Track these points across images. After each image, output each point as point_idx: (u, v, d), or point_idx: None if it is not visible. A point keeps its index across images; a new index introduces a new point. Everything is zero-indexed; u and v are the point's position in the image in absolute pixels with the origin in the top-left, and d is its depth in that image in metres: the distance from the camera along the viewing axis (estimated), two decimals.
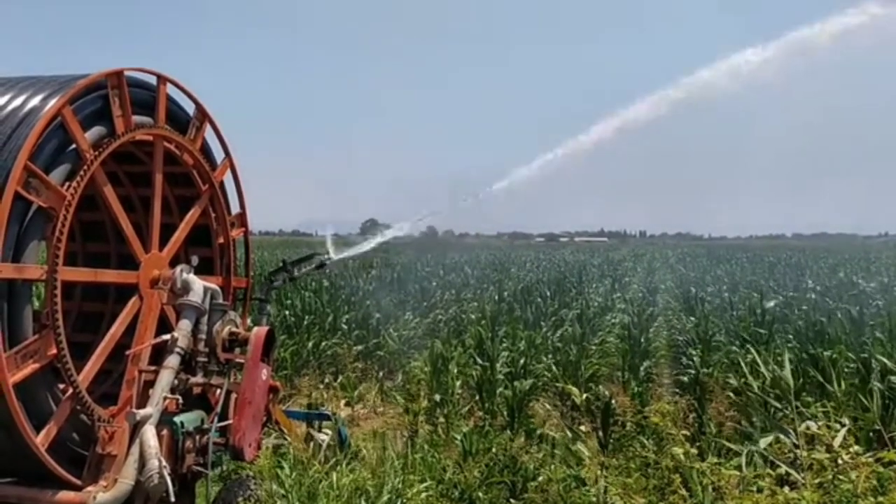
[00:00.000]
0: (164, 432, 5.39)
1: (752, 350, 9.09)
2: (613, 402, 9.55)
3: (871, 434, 7.49)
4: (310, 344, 14.37)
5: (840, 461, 5.19)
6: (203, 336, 5.93)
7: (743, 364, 9.03)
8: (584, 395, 10.10)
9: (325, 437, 7.95)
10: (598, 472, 6.44)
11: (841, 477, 5.10)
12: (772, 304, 16.69)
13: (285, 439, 7.47)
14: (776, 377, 6.96)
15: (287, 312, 16.31)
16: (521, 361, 11.49)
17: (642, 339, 13.12)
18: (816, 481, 5.24)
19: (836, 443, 5.32)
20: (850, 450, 5.26)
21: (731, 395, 9.77)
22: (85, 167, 5.23)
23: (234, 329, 6.13)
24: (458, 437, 8.54)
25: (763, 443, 5.87)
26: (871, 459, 5.20)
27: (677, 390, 11.50)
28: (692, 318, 15.68)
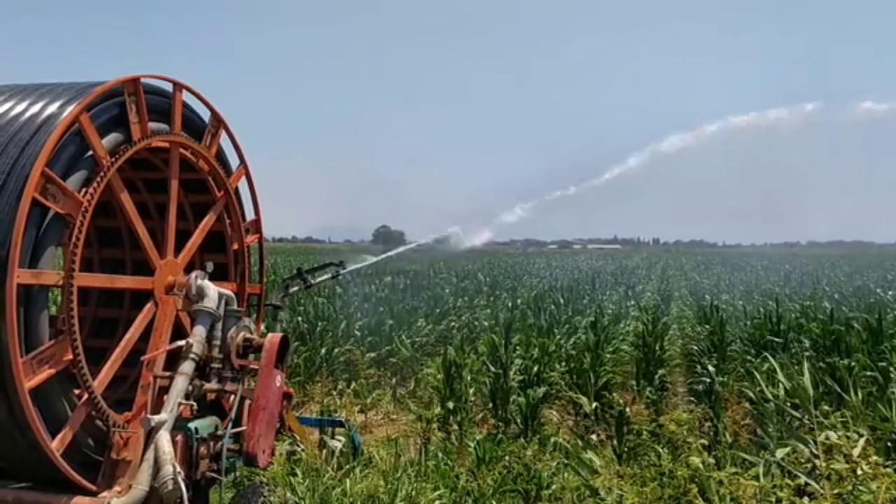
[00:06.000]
0: (179, 438, 5.40)
1: (770, 359, 9.01)
2: (628, 410, 9.49)
3: (889, 444, 7.40)
4: (323, 350, 14.38)
5: (860, 471, 5.12)
6: (217, 342, 5.93)
7: (758, 374, 8.95)
8: (595, 404, 10.05)
9: (338, 443, 7.94)
10: (613, 481, 6.38)
11: (861, 488, 5.03)
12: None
13: (298, 446, 7.47)
14: (795, 386, 6.89)
15: (300, 319, 16.33)
16: (535, 369, 11.46)
17: (656, 348, 13.03)
18: (835, 492, 5.17)
19: (856, 453, 5.24)
20: (870, 460, 5.19)
21: (748, 404, 9.68)
22: (101, 174, 5.26)
23: (248, 335, 6.13)
24: (472, 445, 8.51)
25: (780, 453, 5.80)
26: (891, 470, 5.13)
27: (692, 399, 11.42)
28: (707, 327, 15.57)
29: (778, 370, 7.10)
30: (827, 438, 5.45)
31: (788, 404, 6.82)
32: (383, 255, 9.79)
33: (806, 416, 6.21)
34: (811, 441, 5.67)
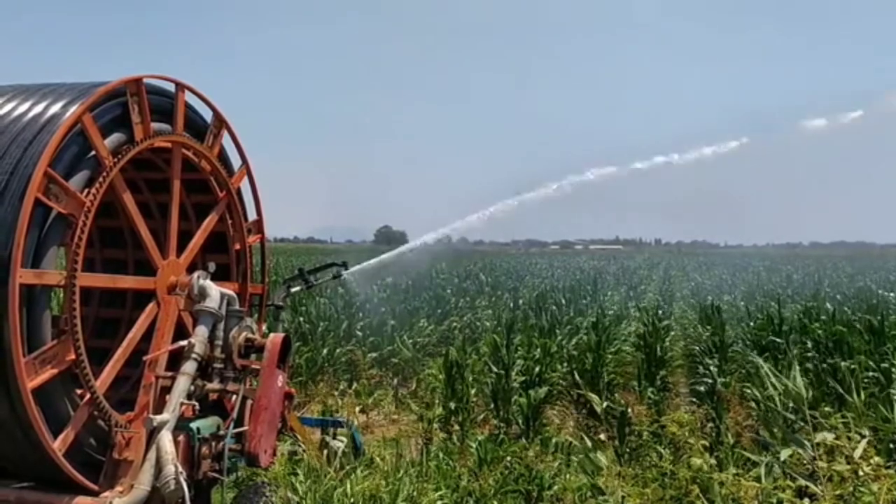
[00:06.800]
0: (181, 438, 5.40)
1: (769, 360, 9.02)
2: (629, 411, 9.49)
3: (891, 445, 7.41)
4: (324, 351, 14.39)
5: (861, 473, 5.12)
6: (219, 342, 5.93)
7: (763, 372, 8.95)
8: (605, 404, 10.05)
9: (339, 443, 7.95)
10: (615, 482, 6.38)
11: (862, 489, 5.02)
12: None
13: (300, 446, 7.47)
14: (788, 388, 6.89)
15: (302, 319, 16.35)
16: (537, 369, 11.46)
17: (658, 348, 13.04)
18: (836, 493, 5.17)
19: (857, 454, 5.24)
20: (871, 461, 5.18)
21: (750, 404, 9.69)
22: (104, 174, 5.26)
23: (250, 335, 6.13)
24: (473, 445, 8.51)
25: (784, 454, 5.79)
26: (892, 471, 5.12)
27: (694, 399, 11.42)
28: (708, 327, 15.56)
29: (769, 373, 7.09)
30: (824, 440, 5.45)
31: (790, 406, 6.82)
32: (374, 260, 9.86)
33: (801, 418, 6.22)
34: (807, 443, 5.68)
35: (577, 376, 11.82)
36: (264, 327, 7.57)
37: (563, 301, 22.70)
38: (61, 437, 4.93)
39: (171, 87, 6.05)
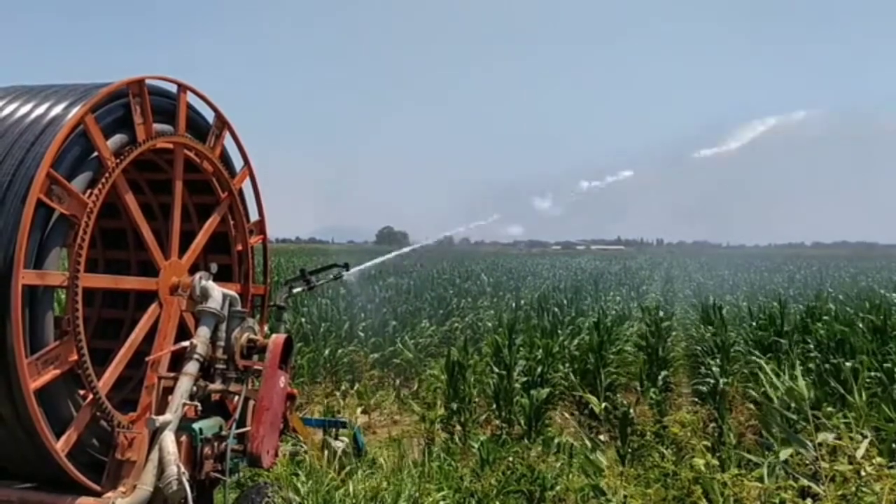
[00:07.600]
0: (183, 439, 5.40)
1: (771, 360, 9.00)
2: (631, 411, 9.49)
3: (894, 445, 7.39)
4: (326, 351, 14.40)
5: (863, 473, 5.11)
6: (222, 343, 5.93)
7: (762, 374, 8.95)
8: (603, 405, 10.05)
9: (341, 444, 7.96)
10: (618, 482, 6.38)
11: (864, 489, 5.02)
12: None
13: (302, 446, 7.48)
14: (790, 388, 6.88)
15: (303, 320, 16.36)
16: (539, 370, 11.45)
17: (660, 348, 13.02)
18: (839, 493, 5.17)
19: (859, 454, 5.24)
20: (874, 461, 5.18)
21: (751, 405, 9.68)
22: (106, 175, 5.27)
23: (252, 336, 6.13)
24: (476, 446, 8.52)
25: (783, 455, 5.79)
26: (895, 471, 5.12)
27: (696, 400, 11.41)
28: (710, 327, 15.55)
29: (770, 373, 7.08)
30: (825, 440, 5.45)
31: (792, 406, 6.81)
32: (378, 259, 9.94)
33: (803, 418, 6.21)
34: (809, 443, 5.67)
35: (573, 377, 11.81)
36: (266, 328, 7.58)
37: (565, 301, 22.70)
38: (64, 437, 4.94)
39: (173, 88, 6.06)
